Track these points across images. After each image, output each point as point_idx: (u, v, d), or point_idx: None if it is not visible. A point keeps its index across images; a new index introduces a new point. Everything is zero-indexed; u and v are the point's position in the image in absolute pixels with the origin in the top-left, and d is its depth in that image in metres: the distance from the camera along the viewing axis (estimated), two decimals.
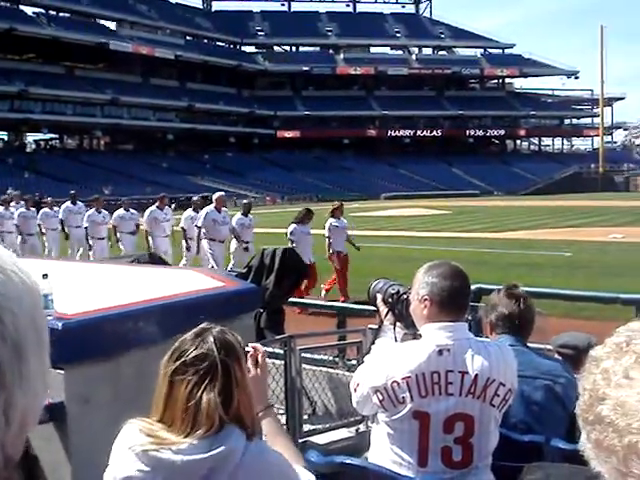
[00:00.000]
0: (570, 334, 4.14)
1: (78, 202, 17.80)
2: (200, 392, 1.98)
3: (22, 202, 18.26)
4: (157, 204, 15.48)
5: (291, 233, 12.63)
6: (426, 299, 2.88)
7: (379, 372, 2.83)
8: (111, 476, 2.02)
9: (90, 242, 16.13)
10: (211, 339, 2.08)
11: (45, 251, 17.24)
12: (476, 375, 2.79)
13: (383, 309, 3.32)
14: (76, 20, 73.25)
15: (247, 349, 2.37)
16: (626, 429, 0.87)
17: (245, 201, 16.04)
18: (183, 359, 2.04)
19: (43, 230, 17.35)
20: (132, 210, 16.38)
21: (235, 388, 2.03)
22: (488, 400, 2.81)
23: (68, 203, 17.61)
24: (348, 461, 2.69)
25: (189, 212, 14.88)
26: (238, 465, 1.96)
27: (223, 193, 14.95)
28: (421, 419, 2.78)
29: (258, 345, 2.46)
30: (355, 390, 2.93)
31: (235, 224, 13.68)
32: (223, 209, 14.02)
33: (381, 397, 2.80)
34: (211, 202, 14.12)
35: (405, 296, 3.15)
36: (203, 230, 13.71)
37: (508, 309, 3.51)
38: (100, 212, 16.43)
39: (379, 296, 3.39)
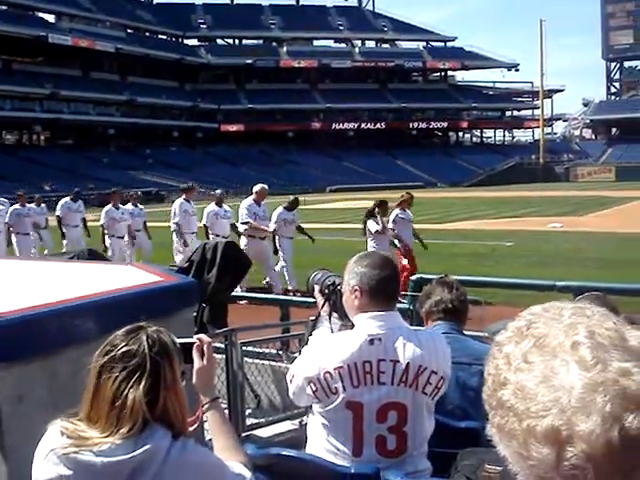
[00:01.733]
0: (505, 322, 4.21)
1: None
2: (127, 389, 1.95)
3: None
4: (111, 202, 15.21)
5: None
6: (356, 289, 2.90)
7: (312, 363, 2.85)
8: (34, 479, 1.99)
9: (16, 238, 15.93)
10: (144, 337, 2.05)
11: None
12: (408, 364, 2.81)
13: (320, 300, 3.34)
14: (13, 13, 71.45)
15: (192, 340, 2.36)
16: (525, 413, 0.88)
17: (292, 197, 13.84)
18: (112, 354, 2.01)
19: None
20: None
21: (163, 388, 1.99)
22: (420, 388, 2.83)
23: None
24: (284, 452, 2.70)
25: (212, 207, 13.79)
26: (163, 464, 1.94)
27: (265, 186, 13.38)
28: (354, 409, 2.79)
29: (203, 336, 2.45)
30: (291, 381, 2.94)
31: (279, 219, 12.75)
32: (262, 203, 13.04)
33: (314, 388, 2.81)
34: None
35: (340, 287, 3.17)
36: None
37: (441, 296, 3.58)
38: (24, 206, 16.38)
39: (316, 287, 3.41)
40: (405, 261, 11.78)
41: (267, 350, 6.20)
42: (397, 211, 12.45)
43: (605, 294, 3.94)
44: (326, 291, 3.32)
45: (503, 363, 0.94)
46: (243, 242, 12.42)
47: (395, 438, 2.83)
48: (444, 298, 3.60)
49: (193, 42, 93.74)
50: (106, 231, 14.96)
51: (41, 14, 76.84)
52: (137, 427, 1.94)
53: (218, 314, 6.65)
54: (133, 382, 1.96)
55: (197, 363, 2.32)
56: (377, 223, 11.62)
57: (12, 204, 16.63)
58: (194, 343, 2.35)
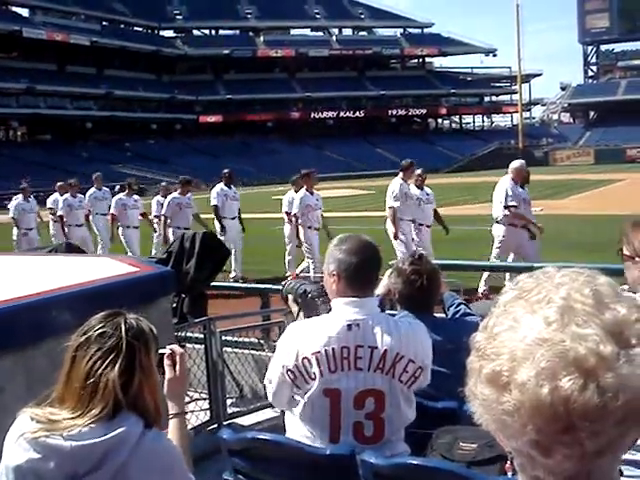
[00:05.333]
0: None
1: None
2: (100, 369, 1.96)
3: None
4: (70, 192, 15.60)
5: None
6: (334, 274, 2.90)
7: (290, 350, 2.84)
8: (3, 465, 1.98)
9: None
10: (121, 320, 2.07)
11: None
12: (385, 350, 2.81)
13: (295, 308, 3.37)
14: None
15: (164, 351, 2.34)
16: (483, 354, 0.93)
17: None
18: (89, 334, 2.02)
19: None
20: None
21: (138, 372, 2.00)
22: (397, 376, 2.83)
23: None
24: (260, 436, 2.71)
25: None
26: (132, 452, 1.94)
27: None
28: (332, 396, 2.79)
29: (176, 347, 2.43)
30: (270, 382, 2.92)
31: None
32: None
33: (292, 376, 2.81)
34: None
35: (311, 295, 3.20)
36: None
37: (405, 284, 3.59)
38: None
39: (290, 297, 3.45)
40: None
41: (248, 339, 6.22)
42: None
43: None
44: (299, 300, 3.35)
45: (494, 311, 0.97)
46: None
47: (372, 424, 2.84)
48: (399, 287, 3.60)
49: (169, 33, 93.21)
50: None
51: (14, 8, 75.98)
52: (108, 409, 1.94)
53: (198, 304, 6.64)
54: (108, 363, 1.97)
55: (168, 373, 2.31)
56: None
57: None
58: (165, 353, 2.34)
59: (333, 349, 2.79)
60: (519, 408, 0.87)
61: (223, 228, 13.19)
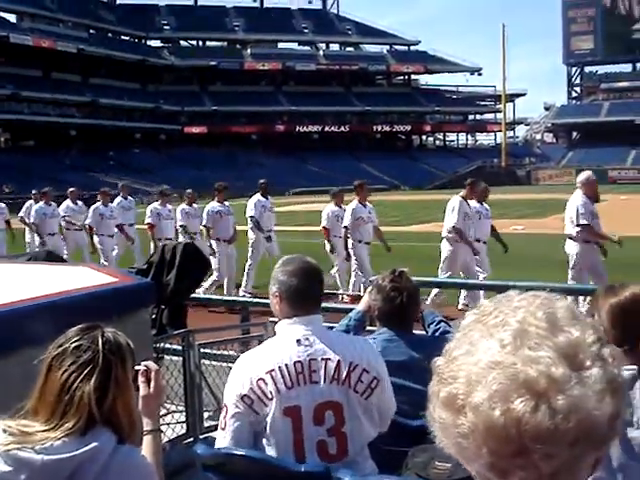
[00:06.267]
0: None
1: None
2: (75, 383, 1.94)
3: None
4: (43, 200, 15.33)
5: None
6: (276, 295, 2.96)
7: (242, 378, 2.84)
8: None
9: None
10: (98, 334, 2.05)
11: None
12: (339, 361, 2.83)
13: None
14: None
15: (139, 367, 2.32)
16: (442, 378, 0.94)
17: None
18: (65, 347, 2.00)
19: None
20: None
21: (113, 386, 1.98)
22: (352, 386, 2.84)
23: None
24: (234, 451, 2.68)
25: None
26: (104, 468, 1.91)
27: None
28: (292, 415, 2.78)
29: (150, 363, 2.41)
30: (223, 428, 2.86)
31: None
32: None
33: (249, 401, 2.79)
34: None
35: None
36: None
37: (385, 301, 3.59)
38: None
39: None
40: None
41: (227, 352, 6.18)
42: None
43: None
44: None
45: (455, 335, 0.98)
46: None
47: (335, 441, 2.82)
48: (379, 304, 3.62)
49: (156, 43, 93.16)
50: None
51: (1, 13, 75.70)
52: (82, 423, 1.92)
53: (177, 316, 6.61)
54: (83, 376, 1.95)
55: (143, 390, 2.29)
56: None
57: None
58: (139, 370, 2.31)
59: (287, 365, 2.80)
60: (473, 431, 0.88)
61: (269, 238, 12.73)
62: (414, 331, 3.74)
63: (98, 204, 14.43)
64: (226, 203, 12.86)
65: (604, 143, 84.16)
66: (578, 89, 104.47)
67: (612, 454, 2.27)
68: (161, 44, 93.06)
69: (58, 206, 15.61)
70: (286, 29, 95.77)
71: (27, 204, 16.43)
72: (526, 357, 0.88)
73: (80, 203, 16.03)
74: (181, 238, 13.01)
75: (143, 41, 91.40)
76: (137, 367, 2.27)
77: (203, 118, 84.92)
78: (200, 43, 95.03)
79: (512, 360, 0.88)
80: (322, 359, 2.82)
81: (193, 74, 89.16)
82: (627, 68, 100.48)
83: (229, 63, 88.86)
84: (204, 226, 12.72)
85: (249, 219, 12.80)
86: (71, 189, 16.35)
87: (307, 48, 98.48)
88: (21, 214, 16.46)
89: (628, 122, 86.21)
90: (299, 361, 2.81)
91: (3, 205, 16.73)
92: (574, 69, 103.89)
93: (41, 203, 15.33)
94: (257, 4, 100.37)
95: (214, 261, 11.87)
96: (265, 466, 2.66)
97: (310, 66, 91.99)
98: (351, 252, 11.62)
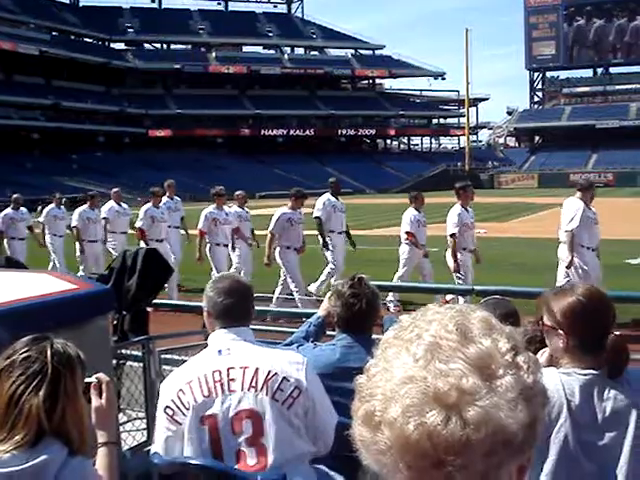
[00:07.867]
0: None
1: None
2: (24, 395, 1.91)
3: None
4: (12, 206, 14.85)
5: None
6: (207, 311, 3.10)
7: (168, 390, 2.91)
8: None
9: None
10: (47, 344, 2.02)
11: None
12: (257, 368, 2.86)
13: None
14: None
15: (90, 380, 2.29)
16: (361, 396, 0.93)
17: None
18: (13, 358, 1.97)
19: None
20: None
21: (63, 398, 1.95)
22: (271, 394, 2.83)
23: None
24: (191, 461, 2.68)
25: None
26: (55, 479, 1.89)
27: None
28: (209, 423, 2.80)
29: (102, 375, 2.38)
30: (154, 439, 2.94)
31: None
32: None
33: (171, 412, 2.84)
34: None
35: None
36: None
37: (344, 307, 3.60)
38: None
39: None
40: None
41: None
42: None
43: (504, 298, 4.02)
44: None
45: (376, 352, 0.98)
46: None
47: (255, 451, 2.80)
48: (338, 310, 3.62)
49: (120, 46, 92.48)
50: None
51: None
52: (31, 435, 1.90)
53: (139, 322, 6.56)
54: (32, 388, 1.93)
55: (95, 402, 2.26)
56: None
57: None
58: (91, 382, 2.28)
59: (205, 375, 2.86)
60: (390, 447, 0.88)
61: (326, 244, 12.09)
62: (374, 336, 3.75)
63: (149, 205, 13.35)
64: (124, 206, 13.11)
65: (565, 147, 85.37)
66: (540, 94, 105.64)
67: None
68: (125, 47, 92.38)
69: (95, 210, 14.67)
70: (251, 33, 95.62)
71: (47, 208, 15.32)
72: (437, 370, 0.89)
73: (120, 206, 14.68)
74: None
75: (107, 44, 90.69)
76: (88, 379, 2.25)
77: (168, 121, 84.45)
78: (164, 46, 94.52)
79: (423, 374, 0.89)
80: (240, 367, 2.86)
81: (157, 77, 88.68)
82: (588, 73, 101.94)
83: (194, 66, 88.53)
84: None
85: (314, 220, 12.35)
86: (114, 190, 15.19)
87: (272, 52, 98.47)
88: (41, 219, 15.30)
89: (589, 126, 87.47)
90: (217, 370, 2.86)
91: (25, 210, 15.09)
92: (536, 74, 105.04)
93: (8, 209, 14.80)
94: (222, 7, 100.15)
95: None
96: (222, 475, 2.65)
97: (275, 70, 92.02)
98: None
